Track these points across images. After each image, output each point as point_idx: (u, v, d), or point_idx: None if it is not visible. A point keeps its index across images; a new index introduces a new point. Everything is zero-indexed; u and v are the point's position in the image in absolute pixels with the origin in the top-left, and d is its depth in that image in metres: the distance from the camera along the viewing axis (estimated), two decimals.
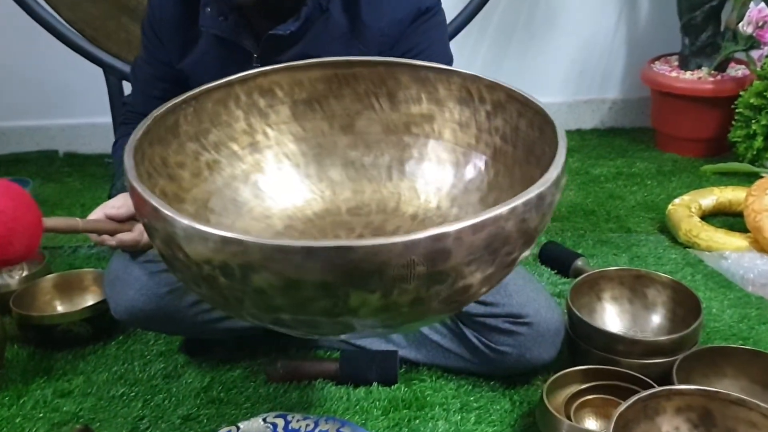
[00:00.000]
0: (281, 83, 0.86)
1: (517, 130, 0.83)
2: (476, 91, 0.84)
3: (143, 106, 1.31)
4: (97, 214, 1.13)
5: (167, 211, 0.60)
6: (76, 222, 1.09)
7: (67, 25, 1.86)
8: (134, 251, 1.18)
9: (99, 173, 2.41)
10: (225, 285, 0.61)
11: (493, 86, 0.83)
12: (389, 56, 1.16)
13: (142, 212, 0.64)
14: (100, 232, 1.13)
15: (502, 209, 0.61)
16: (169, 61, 1.25)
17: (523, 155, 0.83)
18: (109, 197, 1.19)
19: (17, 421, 1.29)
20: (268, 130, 0.88)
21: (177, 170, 0.81)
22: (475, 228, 0.59)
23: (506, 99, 0.82)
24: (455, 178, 0.89)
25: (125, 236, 1.14)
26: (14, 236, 0.98)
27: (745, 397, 0.96)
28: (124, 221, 1.14)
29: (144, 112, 1.31)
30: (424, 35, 1.16)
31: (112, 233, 1.13)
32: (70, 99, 2.55)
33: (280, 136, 0.89)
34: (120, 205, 1.13)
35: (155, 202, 0.61)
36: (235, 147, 0.87)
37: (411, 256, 0.57)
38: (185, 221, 0.59)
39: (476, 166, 0.88)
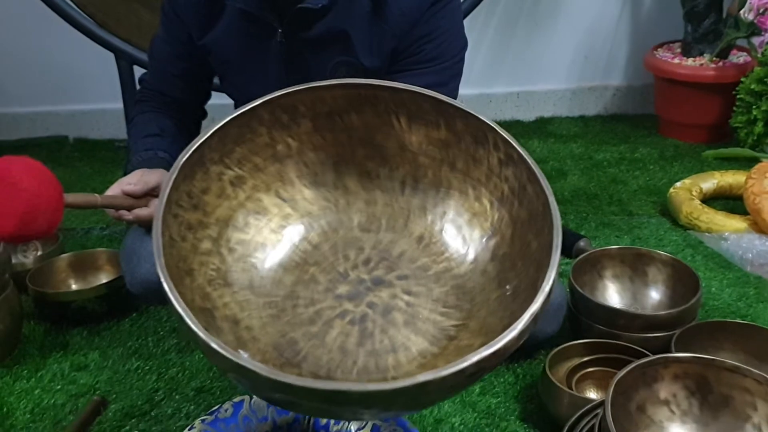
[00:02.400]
0: (304, 100, 0.87)
1: (524, 191, 0.83)
2: (492, 137, 0.85)
3: (160, 84, 1.34)
4: (114, 190, 1.17)
5: (194, 326, 0.66)
6: (95, 198, 1.13)
7: (78, 9, 1.89)
8: (150, 226, 1.22)
9: (109, 158, 2.45)
10: (245, 384, 0.69)
11: (509, 143, 0.83)
12: (408, 38, 1.20)
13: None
14: (117, 208, 1.17)
15: (487, 352, 0.65)
16: (188, 40, 1.27)
17: (527, 216, 0.83)
18: (125, 174, 1.22)
19: (36, 392, 1.33)
20: (290, 140, 0.90)
21: (202, 197, 0.84)
22: (457, 373, 0.64)
23: (518, 159, 0.83)
24: (462, 207, 0.91)
25: (141, 211, 1.17)
26: (38, 212, 1.02)
27: (739, 364, 0.99)
28: (140, 197, 1.17)
29: (161, 90, 1.35)
30: (442, 20, 1.19)
31: (128, 209, 1.17)
32: (80, 85, 2.58)
33: (300, 146, 0.91)
34: (136, 181, 1.17)
35: (182, 310, 0.67)
36: (257, 160, 0.89)
37: (399, 398, 0.64)
38: (206, 339, 0.64)
39: (482, 203, 0.89)
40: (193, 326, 0.65)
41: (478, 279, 0.87)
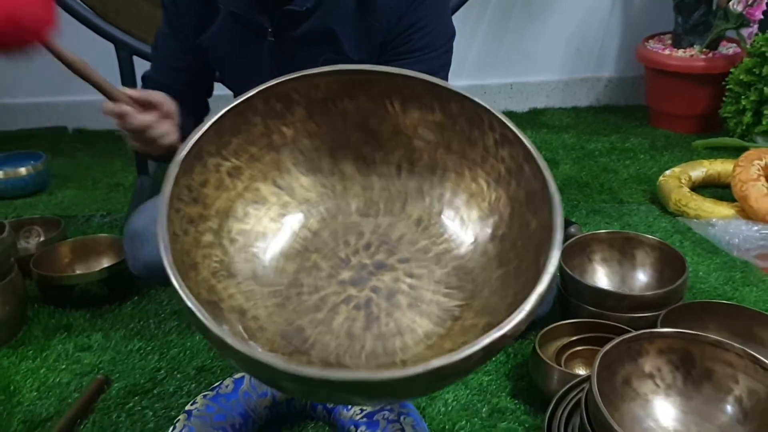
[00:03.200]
0: (297, 88, 0.88)
1: (521, 170, 0.84)
2: (487, 119, 0.85)
3: (164, 78, 1.36)
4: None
5: (204, 320, 0.66)
6: (85, 64, 1.07)
7: (79, 0, 1.92)
8: (142, 135, 1.14)
9: (108, 148, 2.48)
10: (260, 376, 0.72)
11: (504, 123, 0.84)
12: (395, 30, 1.24)
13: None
14: (109, 96, 1.10)
15: (498, 334, 0.66)
16: (189, 37, 1.32)
17: (524, 196, 0.84)
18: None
19: (41, 371, 1.37)
20: (284, 129, 0.90)
21: (201, 190, 0.84)
22: (469, 356, 0.65)
23: (514, 139, 0.83)
24: (458, 188, 0.91)
25: (146, 116, 1.11)
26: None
27: (722, 339, 1.03)
28: (141, 105, 1.11)
29: (165, 83, 1.38)
30: (429, 10, 1.23)
31: (113, 99, 1.10)
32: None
33: (295, 134, 0.91)
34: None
35: (193, 306, 0.67)
36: (253, 150, 0.90)
37: (415, 384, 0.66)
38: (216, 332, 0.66)
39: (479, 184, 0.90)
40: (206, 322, 0.66)
41: (479, 259, 0.88)
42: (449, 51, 1.29)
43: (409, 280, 0.88)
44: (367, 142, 0.93)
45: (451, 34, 1.30)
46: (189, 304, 0.67)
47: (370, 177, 0.95)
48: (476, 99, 0.85)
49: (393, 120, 0.91)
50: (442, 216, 0.92)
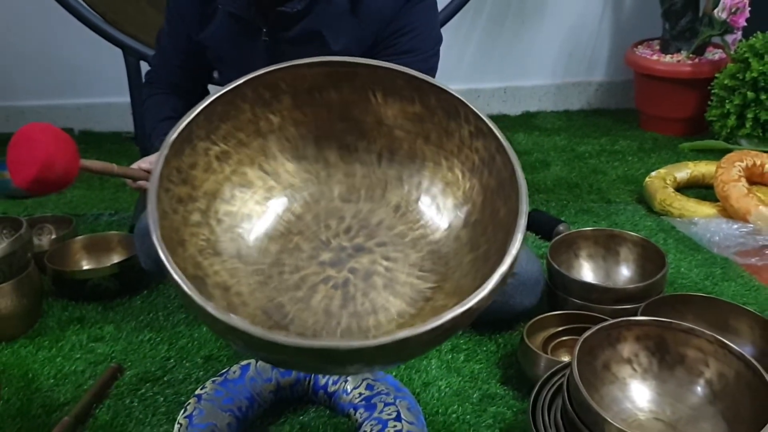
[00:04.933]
0: (285, 78, 0.92)
1: (493, 161, 0.88)
2: (463, 112, 0.90)
3: (165, 72, 1.50)
4: (134, 166, 1.29)
5: (189, 291, 0.71)
6: (112, 167, 1.24)
7: (89, 8, 1.99)
8: None
9: (114, 150, 2.56)
10: (239, 345, 0.75)
11: (479, 116, 0.88)
12: (384, 33, 1.31)
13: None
14: (133, 178, 1.29)
15: (460, 310, 0.71)
16: (188, 36, 1.41)
17: (496, 184, 0.88)
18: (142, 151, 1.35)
19: (57, 360, 1.45)
20: (271, 117, 0.94)
21: (190, 172, 0.88)
22: (433, 329, 0.70)
23: (488, 131, 0.87)
24: (436, 177, 0.96)
25: None
26: (56, 159, 1.15)
27: (693, 326, 1.11)
28: None
29: (169, 80, 1.48)
30: (416, 15, 1.32)
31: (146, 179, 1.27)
32: (85, 79, 2.69)
33: (282, 121, 0.95)
34: (154, 160, 1.28)
35: (178, 278, 0.72)
36: (241, 135, 0.93)
37: (381, 353, 0.70)
38: (200, 303, 0.70)
39: (455, 173, 0.94)
40: (188, 291, 0.70)
41: (452, 244, 0.93)
42: (436, 55, 1.37)
43: (385, 263, 0.92)
44: (350, 132, 0.97)
45: (438, 39, 1.38)
46: (175, 275, 0.71)
47: (352, 165, 0.99)
48: (453, 92, 0.90)
49: (375, 111, 0.95)
50: (419, 203, 0.96)
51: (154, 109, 1.47)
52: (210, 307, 0.70)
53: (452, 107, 0.91)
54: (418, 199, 0.97)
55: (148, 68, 1.57)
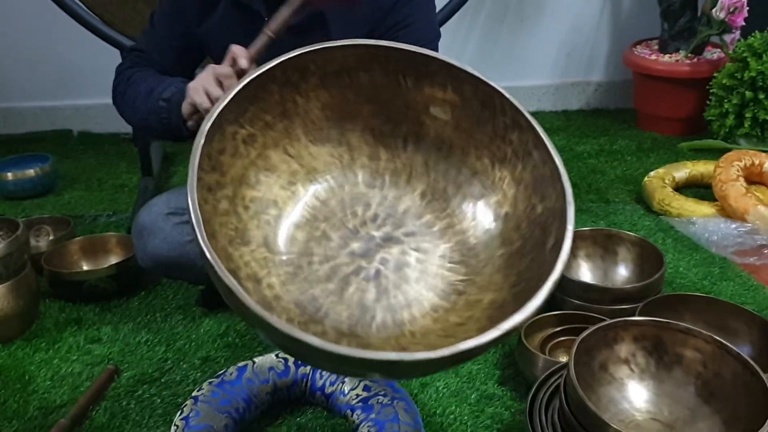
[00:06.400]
0: (316, 60, 0.90)
1: (529, 156, 0.86)
2: (499, 103, 0.88)
3: (158, 55, 1.41)
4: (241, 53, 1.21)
5: (248, 302, 0.68)
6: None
7: (87, 9, 1.99)
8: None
9: (113, 150, 2.57)
10: (294, 352, 0.76)
11: (518, 109, 0.86)
12: (382, 27, 1.30)
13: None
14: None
15: (521, 317, 0.70)
16: (189, 23, 1.38)
17: (531, 180, 0.86)
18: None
19: (54, 362, 1.44)
20: (298, 98, 0.92)
21: (219, 158, 0.86)
22: (496, 339, 0.69)
23: (526, 125, 0.85)
24: (463, 165, 0.94)
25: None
26: None
27: (690, 327, 1.11)
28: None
29: (157, 60, 1.40)
30: (413, 9, 1.32)
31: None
32: (84, 81, 2.69)
33: (307, 102, 0.93)
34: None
35: (216, 266, 0.70)
36: (268, 117, 0.91)
37: (442, 363, 0.70)
38: (245, 300, 0.68)
39: (483, 162, 0.92)
40: (246, 302, 0.67)
41: (481, 236, 0.91)
42: (435, 50, 1.37)
43: (415, 254, 0.90)
44: (376, 115, 0.95)
45: (437, 35, 1.38)
46: (228, 283, 0.69)
47: (376, 148, 0.97)
48: (492, 83, 0.88)
49: (404, 95, 0.93)
50: (446, 191, 0.95)
51: (150, 77, 1.35)
52: (274, 321, 0.67)
53: (488, 97, 0.89)
54: (444, 188, 0.95)
55: (130, 47, 1.46)
